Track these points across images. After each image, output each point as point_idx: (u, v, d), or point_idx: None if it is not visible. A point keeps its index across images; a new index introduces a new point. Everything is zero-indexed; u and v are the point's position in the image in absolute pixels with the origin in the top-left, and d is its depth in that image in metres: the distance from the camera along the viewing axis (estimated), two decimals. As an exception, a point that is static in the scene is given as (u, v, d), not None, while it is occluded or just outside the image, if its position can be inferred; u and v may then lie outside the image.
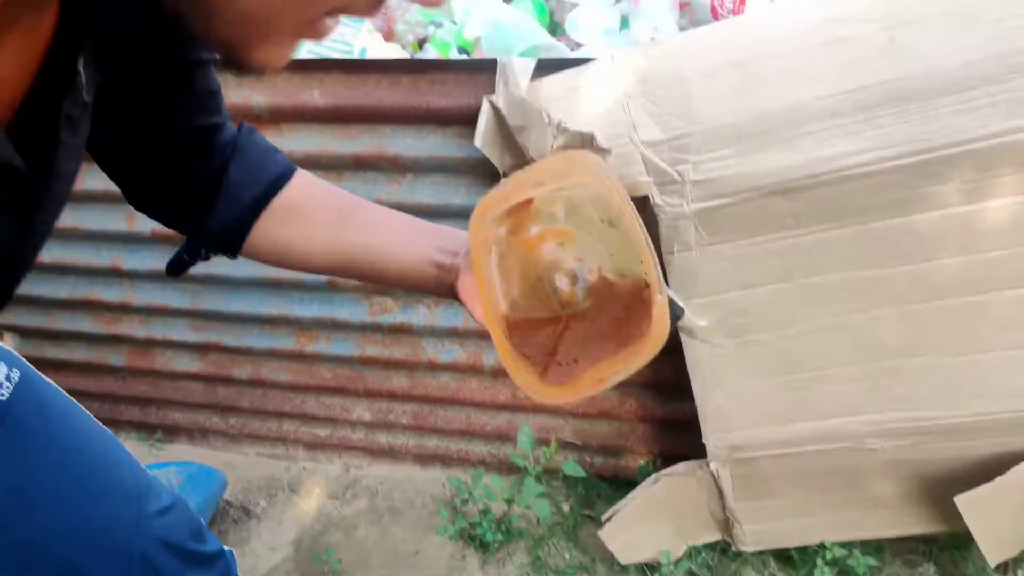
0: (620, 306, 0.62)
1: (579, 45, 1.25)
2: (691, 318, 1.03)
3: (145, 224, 1.34)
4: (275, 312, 1.37)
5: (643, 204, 0.99)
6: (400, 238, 0.70)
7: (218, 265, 1.36)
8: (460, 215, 1.20)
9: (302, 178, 0.68)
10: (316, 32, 0.43)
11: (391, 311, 1.32)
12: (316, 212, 0.69)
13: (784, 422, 1.05)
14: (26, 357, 0.79)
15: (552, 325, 0.64)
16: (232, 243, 0.68)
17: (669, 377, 1.24)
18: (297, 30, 0.43)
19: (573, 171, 0.58)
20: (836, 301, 0.99)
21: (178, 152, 0.63)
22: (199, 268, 1.37)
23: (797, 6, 0.95)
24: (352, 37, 1.27)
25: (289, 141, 1.19)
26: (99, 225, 1.36)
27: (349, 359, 1.39)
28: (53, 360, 1.55)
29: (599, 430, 1.33)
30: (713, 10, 1.20)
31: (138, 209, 0.67)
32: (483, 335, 1.29)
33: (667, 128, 0.96)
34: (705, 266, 1.01)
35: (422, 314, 1.31)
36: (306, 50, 1.24)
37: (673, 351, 1.08)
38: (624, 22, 1.29)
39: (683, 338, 1.06)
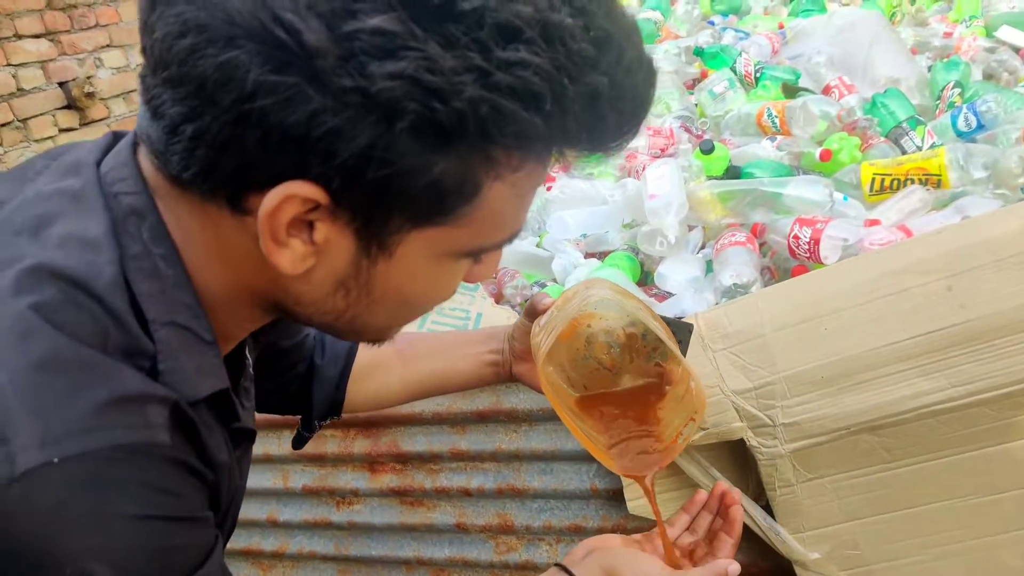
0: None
1: (670, 295, 1.40)
2: (803, 552, 1.08)
3: (297, 481, 1.52)
4: (411, 555, 1.49)
5: (740, 447, 1.08)
6: (455, 354, 0.90)
7: (360, 514, 1.51)
8: (573, 459, 1.31)
9: None
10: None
11: (516, 549, 1.41)
12: (383, 363, 0.90)
13: (915, 656, 1.05)
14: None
15: (613, 398, 0.78)
16: (334, 412, 0.89)
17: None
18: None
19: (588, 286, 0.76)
20: (945, 529, 1.02)
21: (283, 365, 0.83)
22: (343, 516, 1.53)
23: (861, 262, 1.07)
24: (468, 304, 1.47)
25: (420, 403, 1.36)
26: (259, 484, 1.55)
27: (481, 598, 1.47)
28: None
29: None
30: (791, 250, 1.33)
31: (259, 411, 0.86)
32: (606, 570, 1.35)
33: (752, 377, 1.06)
34: (808, 501, 1.07)
35: (544, 551, 1.39)
36: (430, 320, 1.44)
37: (793, 579, 1.12)
38: (709, 268, 1.43)
39: (797, 571, 1.09)
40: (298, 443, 0.92)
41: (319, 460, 1.50)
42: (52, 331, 0.43)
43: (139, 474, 0.44)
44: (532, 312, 0.81)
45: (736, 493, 0.80)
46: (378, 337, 0.59)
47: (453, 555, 1.46)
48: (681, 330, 0.82)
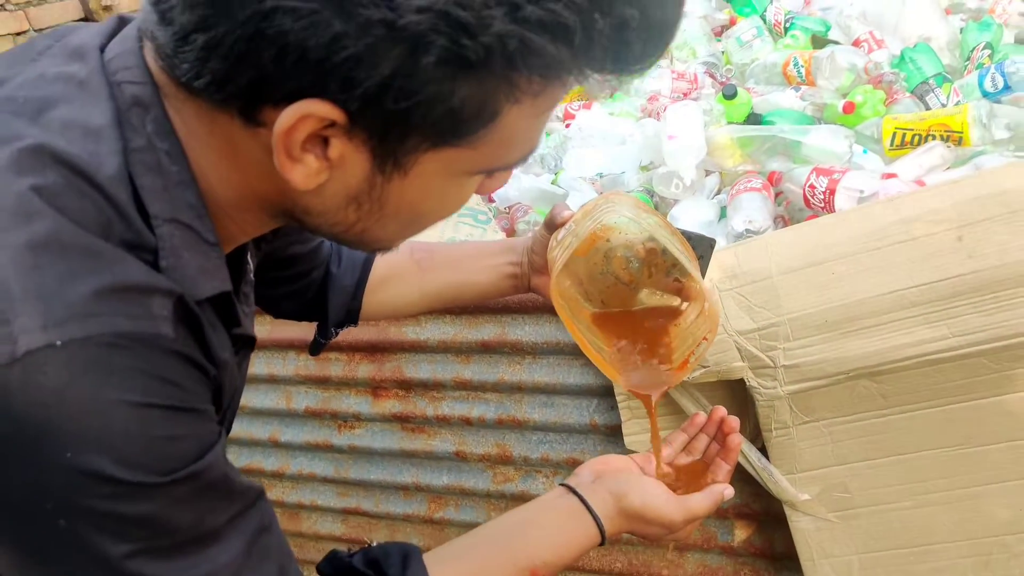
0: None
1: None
2: (794, 492, 1.09)
3: (300, 402, 1.55)
4: (410, 480, 1.52)
5: (740, 387, 1.09)
6: (474, 265, 0.90)
7: (361, 438, 1.54)
8: (575, 393, 1.33)
9: None
10: None
11: (513, 480, 1.44)
12: (401, 273, 0.90)
13: (895, 598, 1.07)
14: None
15: (627, 317, 0.78)
16: (350, 320, 0.90)
17: (781, 547, 1.28)
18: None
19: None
20: (934, 477, 1.03)
21: (299, 272, 0.84)
22: (344, 440, 1.55)
23: (873, 209, 1.07)
24: (480, 238, 1.48)
25: (426, 330, 1.38)
26: (262, 404, 1.58)
27: (475, 524, 1.49)
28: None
29: (714, 600, 1.36)
30: (805, 199, 1.33)
31: (275, 317, 0.89)
32: (599, 504, 1.38)
33: (756, 318, 1.07)
34: (803, 443, 1.08)
35: (541, 483, 1.42)
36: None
37: (783, 520, 1.14)
38: (723, 213, 1.43)
39: (787, 511, 1.11)
40: (314, 349, 0.93)
41: (322, 383, 1.52)
42: (55, 214, 0.42)
43: (141, 363, 0.43)
44: (551, 224, 0.81)
45: (734, 421, 0.81)
46: (384, 247, 0.59)
47: (451, 483, 1.49)
48: (702, 245, 0.81)
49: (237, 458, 1.66)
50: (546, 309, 1.29)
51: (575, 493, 0.74)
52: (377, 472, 1.55)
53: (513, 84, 0.43)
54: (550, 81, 0.44)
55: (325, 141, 0.44)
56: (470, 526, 1.51)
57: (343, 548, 1.67)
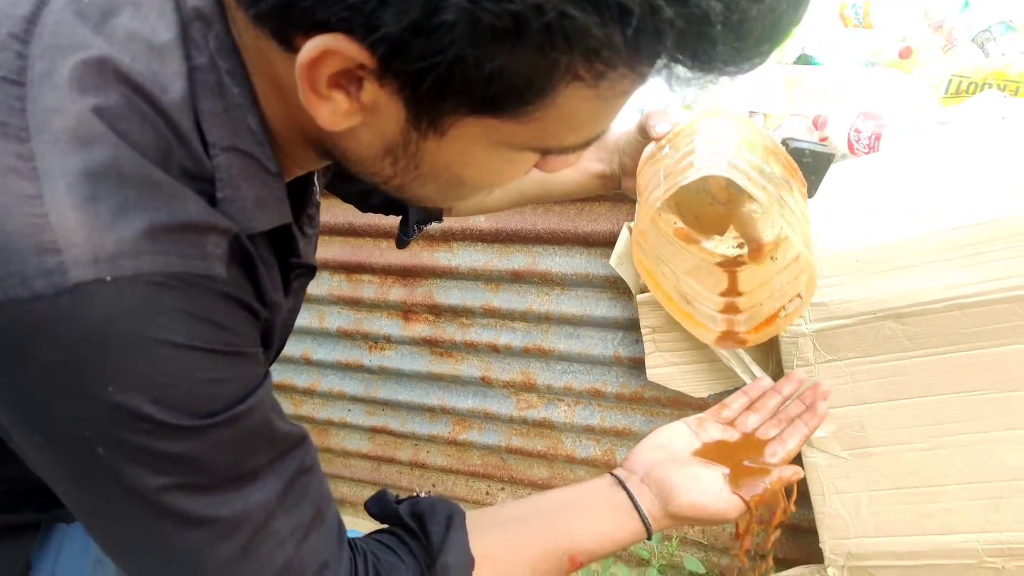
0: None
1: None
2: (810, 429, 1.11)
3: (333, 322, 1.59)
4: (436, 403, 1.57)
5: (764, 322, 1.11)
6: None
7: (391, 359, 1.58)
8: (600, 325, 1.35)
9: None
10: None
11: (535, 407, 1.48)
12: None
13: (903, 534, 1.09)
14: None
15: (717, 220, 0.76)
16: (434, 217, 0.89)
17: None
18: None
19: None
20: (952, 420, 1.05)
21: None
22: (375, 360, 1.59)
23: (915, 152, 1.06)
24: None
25: (458, 256, 1.41)
26: (296, 322, 1.63)
27: (497, 448, 1.55)
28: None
29: (722, 531, 1.40)
30: (850, 145, 1.31)
31: (362, 211, 0.89)
32: (618, 434, 1.41)
33: (787, 256, 1.08)
34: (824, 382, 1.10)
35: (562, 412, 1.46)
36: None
37: (797, 458, 1.16)
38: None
39: (802, 447, 1.14)
40: (400, 244, 0.92)
41: (355, 304, 1.56)
42: (115, 139, 0.41)
43: (189, 304, 0.42)
44: (644, 130, 0.77)
45: (826, 386, 0.78)
46: (430, 205, 0.56)
47: (475, 406, 1.53)
48: (818, 160, 0.73)
49: (272, 373, 1.72)
50: (576, 241, 1.30)
51: (625, 488, 0.71)
52: (405, 393, 1.60)
53: (563, 63, 0.38)
54: (611, 68, 0.39)
55: (359, 82, 0.41)
56: (492, 449, 1.56)
57: (369, 463, 1.72)
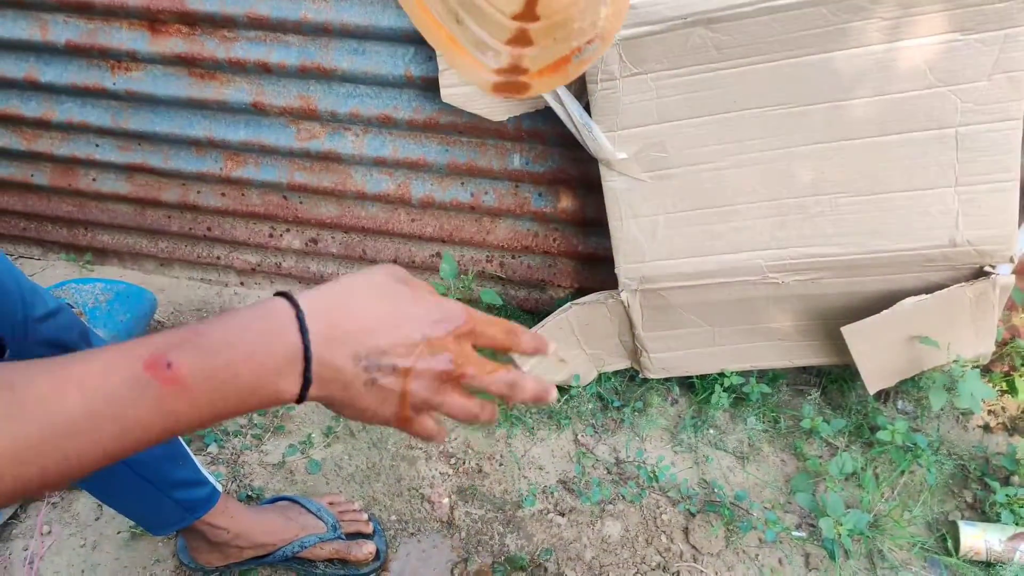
0: None
1: None
2: (611, 150, 1.04)
3: (59, 34, 1.28)
4: (201, 134, 1.35)
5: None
6: None
7: (140, 82, 1.33)
8: (389, 38, 1.17)
9: None
10: None
11: (319, 137, 1.31)
12: None
13: (694, 255, 1.09)
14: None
15: None
16: None
17: (592, 213, 1.27)
18: None
19: None
20: (752, 137, 1.01)
21: None
22: (120, 84, 1.33)
23: None
24: None
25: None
26: (10, 33, 1.30)
27: (277, 185, 1.38)
28: (-27, 176, 1.51)
29: (522, 264, 1.37)
30: None
31: None
32: (412, 165, 1.29)
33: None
34: (627, 97, 1.01)
35: (349, 142, 1.30)
36: None
37: (597, 187, 1.10)
38: None
39: (602, 170, 1.07)
40: None
41: (85, 10, 1.25)
42: None
43: None
44: None
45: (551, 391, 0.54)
46: None
47: (249, 138, 1.33)
48: None
49: (-10, 104, 1.40)
50: (356, -72, 1.07)
51: (289, 300, 0.47)
52: (163, 124, 1.36)
53: None
54: None
55: None
56: (272, 186, 1.39)
57: (130, 207, 1.49)
